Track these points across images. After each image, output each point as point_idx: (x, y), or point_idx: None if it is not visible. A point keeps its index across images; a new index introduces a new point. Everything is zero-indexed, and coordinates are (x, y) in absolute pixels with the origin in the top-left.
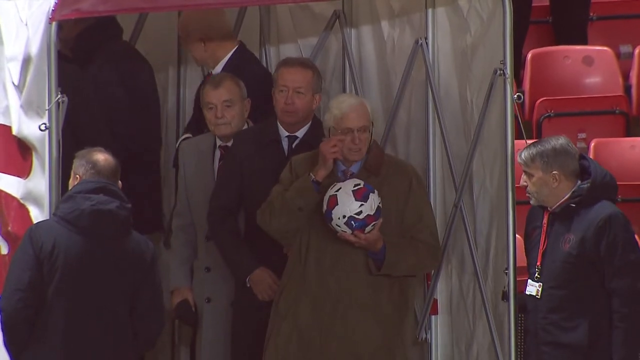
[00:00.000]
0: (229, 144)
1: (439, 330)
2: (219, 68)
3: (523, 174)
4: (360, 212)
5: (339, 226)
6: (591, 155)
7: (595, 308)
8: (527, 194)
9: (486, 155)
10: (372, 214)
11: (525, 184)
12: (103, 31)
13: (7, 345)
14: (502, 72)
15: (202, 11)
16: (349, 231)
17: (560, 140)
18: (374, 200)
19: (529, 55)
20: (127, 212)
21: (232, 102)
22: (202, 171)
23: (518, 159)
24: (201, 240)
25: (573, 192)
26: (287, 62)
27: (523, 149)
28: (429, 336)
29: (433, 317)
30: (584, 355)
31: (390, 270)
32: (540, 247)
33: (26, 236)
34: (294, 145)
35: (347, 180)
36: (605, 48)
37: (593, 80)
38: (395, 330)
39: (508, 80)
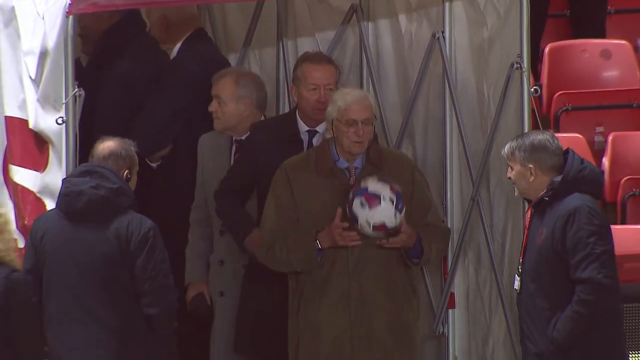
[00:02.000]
0: (244, 137)
1: (456, 324)
2: (174, 51)
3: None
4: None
5: (393, 217)
6: (608, 149)
7: (565, 303)
8: (513, 185)
9: (503, 148)
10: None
11: (509, 176)
12: (131, 26)
13: None
14: (519, 65)
15: None
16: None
17: (540, 135)
18: (379, 189)
19: (547, 49)
20: (106, 191)
21: (220, 99)
22: (219, 165)
23: (502, 152)
24: (216, 234)
25: (548, 185)
26: (313, 59)
27: (509, 142)
28: (446, 330)
29: (450, 310)
30: (557, 350)
31: (426, 262)
32: (523, 241)
33: None
34: (313, 140)
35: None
36: (623, 42)
37: (611, 73)
38: (413, 322)
39: (525, 74)
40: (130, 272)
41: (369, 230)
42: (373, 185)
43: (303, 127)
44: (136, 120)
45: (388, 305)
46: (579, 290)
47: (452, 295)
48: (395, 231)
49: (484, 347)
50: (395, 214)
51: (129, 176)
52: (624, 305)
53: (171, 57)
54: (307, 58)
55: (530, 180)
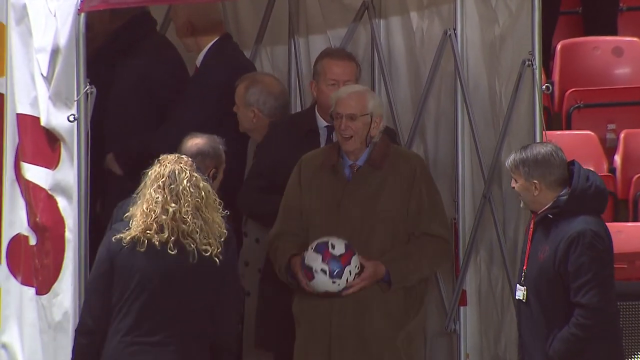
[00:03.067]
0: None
1: (467, 322)
2: (200, 57)
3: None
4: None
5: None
6: (620, 147)
7: (561, 322)
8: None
9: (515, 146)
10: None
11: (513, 186)
12: (143, 24)
13: None
14: (530, 63)
15: None
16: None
17: (544, 149)
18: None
19: (559, 46)
20: None
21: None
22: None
23: (506, 163)
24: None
25: (553, 202)
26: (334, 54)
27: (512, 153)
28: (457, 327)
29: (462, 308)
30: None
31: (403, 284)
32: (527, 251)
33: None
34: (332, 136)
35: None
36: (635, 39)
37: (623, 71)
38: (402, 323)
39: (536, 71)
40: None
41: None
42: (308, 257)
43: (322, 122)
44: (163, 129)
45: (374, 306)
46: (577, 314)
47: (464, 292)
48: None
49: (496, 345)
50: (334, 282)
51: (215, 175)
52: (634, 303)
53: (197, 63)
54: (328, 53)
55: (535, 195)
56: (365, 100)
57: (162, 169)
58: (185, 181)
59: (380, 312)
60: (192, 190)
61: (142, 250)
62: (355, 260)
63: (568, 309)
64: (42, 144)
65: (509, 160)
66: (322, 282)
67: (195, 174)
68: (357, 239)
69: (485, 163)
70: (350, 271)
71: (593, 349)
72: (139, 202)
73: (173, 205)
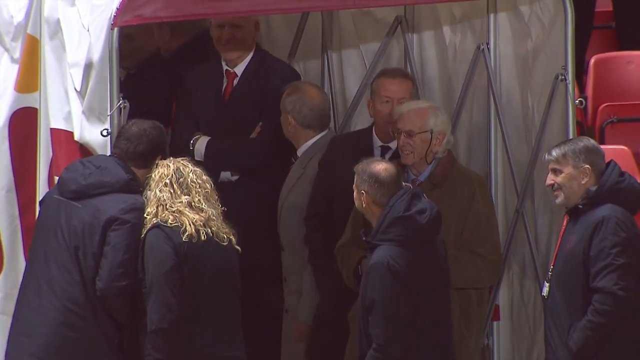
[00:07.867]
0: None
1: (500, 336)
2: (246, 60)
3: (550, 172)
4: None
5: None
6: None
7: (582, 314)
8: (554, 193)
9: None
10: None
11: (551, 182)
12: (206, 43)
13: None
14: (563, 77)
15: None
16: None
17: (590, 141)
18: None
19: (592, 61)
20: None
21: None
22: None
23: (547, 157)
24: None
25: (584, 193)
26: (389, 73)
27: (552, 148)
28: (490, 342)
29: (495, 323)
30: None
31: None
32: (557, 248)
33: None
34: (386, 156)
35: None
36: None
37: None
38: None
39: (569, 86)
40: None
41: None
42: None
43: (377, 142)
44: (249, 142)
45: None
46: (594, 300)
47: (497, 307)
48: None
49: (527, 358)
50: None
51: None
52: None
53: (236, 71)
54: (383, 72)
55: (583, 182)
56: (426, 117)
57: (165, 169)
58: (191, 174)
59: None
60: (199, 181)
61: (200, 242)
62: None
63: (591, 298)
64: (76, 158)
65: (553, 152)
66: None
67: (197, 168)
68: None
69: (518, 178)
70: None
71: (613, 340)
72: (149, 202)
73: (185, 197)
